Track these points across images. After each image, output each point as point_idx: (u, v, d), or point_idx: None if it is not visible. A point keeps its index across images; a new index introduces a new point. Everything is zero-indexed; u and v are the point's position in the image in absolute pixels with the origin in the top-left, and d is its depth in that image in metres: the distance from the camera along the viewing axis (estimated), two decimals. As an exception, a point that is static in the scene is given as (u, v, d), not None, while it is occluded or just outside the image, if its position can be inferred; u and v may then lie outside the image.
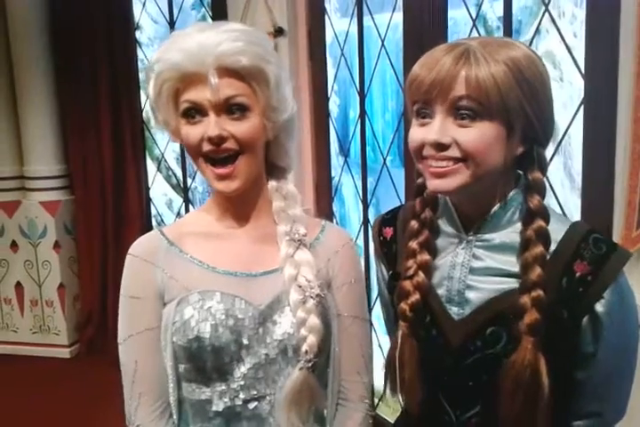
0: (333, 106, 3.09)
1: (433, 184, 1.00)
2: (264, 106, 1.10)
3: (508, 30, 2.05)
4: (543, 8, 1.96)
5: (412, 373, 1.08)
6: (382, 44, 2.67)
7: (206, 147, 1.08)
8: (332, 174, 3.12)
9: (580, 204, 1.88)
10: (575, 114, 1.86)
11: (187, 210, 3.92)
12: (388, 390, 1.12)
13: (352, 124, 2.97)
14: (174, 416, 1.16)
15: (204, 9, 3.66)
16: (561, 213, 1.95)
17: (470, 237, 1.06)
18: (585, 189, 1.84)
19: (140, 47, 3.86)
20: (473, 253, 1.05)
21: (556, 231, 1.01)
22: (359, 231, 2.95)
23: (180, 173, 3.94)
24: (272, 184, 1.19)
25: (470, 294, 1.05)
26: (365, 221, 2.90)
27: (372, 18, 2.71)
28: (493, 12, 2.21)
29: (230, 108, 1.08)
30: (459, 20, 2.33)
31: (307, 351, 1.09)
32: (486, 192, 1.03)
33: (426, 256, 1.07)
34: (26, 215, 3.93)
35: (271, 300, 1.13)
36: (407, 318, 1.08)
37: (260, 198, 1.19)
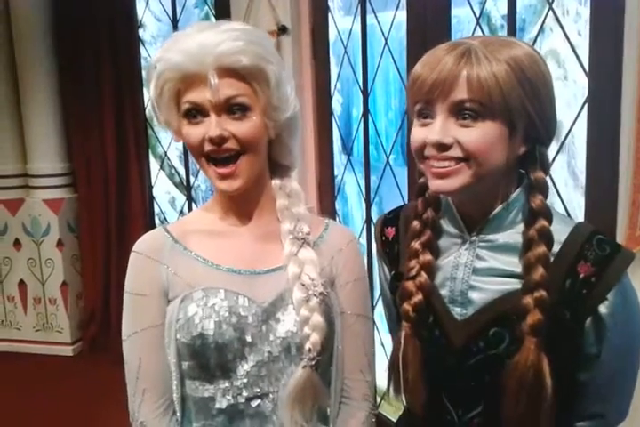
0: (336, 104, 3.09)
1: (435, 185, 0.99)
2: (265, 105, 1.10)
3: (512, 29, 2.04)
4: (547, 6, 1.95)
5: (415, 373, 1.08)
6: (385, 43, 2.67)
7: (208, 147, 1.09)
8: (335, 173, 3.11)
9: (583, 203, 1.87)
10: (579, 113, 1.85)
11: (190, 208, 3.93)
12: (391, 391, 1.12)
13: (355, 123, 2.97)
14: (177, 413, 1.16)
15: (207, 7, 3.66)
16: (564, 211, 1.95)
17: (473, 238, 1.06)
18: (589, 188, 1.84)
19: (144, 45, 3.86)
20: (476, 253, 1.05)
21: (560, 232, 1.01)
22: (362, 230, 2.95)
23: (182, 172, 3.94)
24: (276, 182, 1.20)
25: (473, 295, 1.05)
26: (368, 220, 2.89)
27: (376, 16, 2.70)
28: (497, 10, 2.20)
29: (231, 108, 1.08)
30: (462, 19, 2.32)
31: (310, 349, 1.10)
32: (488, 192, 1.03)
33: (428, 256, 1.07)
34: (29, 213, 3.94)
35: (274, 298, 1.13)
36: (410, 319, 1.08)
37: (262, 196, 1.19)
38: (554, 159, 1.96)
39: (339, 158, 3.13)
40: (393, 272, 1.18)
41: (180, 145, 3.84)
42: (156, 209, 4.09)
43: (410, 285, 1.08)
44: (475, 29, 2.22)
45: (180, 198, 4.07)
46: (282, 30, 2.97)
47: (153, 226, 3.95)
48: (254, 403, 1.13)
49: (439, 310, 1.08)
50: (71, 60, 3.81)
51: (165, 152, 4.01)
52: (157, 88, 1.10)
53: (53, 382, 3.58)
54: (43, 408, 3.25)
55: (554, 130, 1.03)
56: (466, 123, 0.95)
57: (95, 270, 4.00)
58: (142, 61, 3.84)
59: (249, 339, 1.11)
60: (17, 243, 4.00)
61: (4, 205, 3.97)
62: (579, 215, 1.92)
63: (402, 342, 1.09)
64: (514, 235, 1.03)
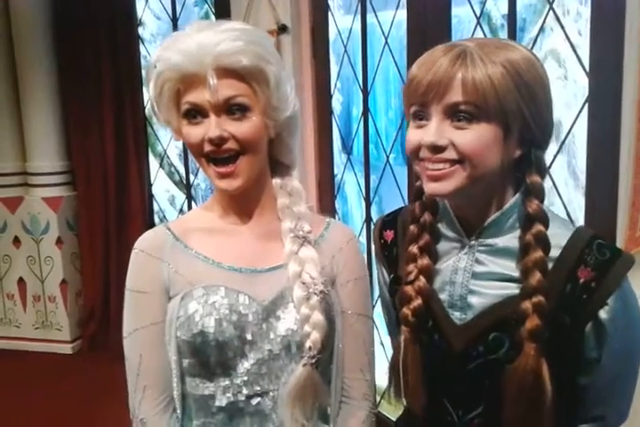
0: (336, 103, 3.09)
1: (430, 188, 0.99)
2: (264, 105, 1.10)
3: (513, 28, 2.04)
4: (548, 6, 1.95)
5: (415, 377, 1.08)
6: (386, 42, 2.67)
7: (207, 147, 1.09)
8: (335, 172, 3.11)
9: (583, 203, 1.87)
10: (579, 112, 1.86)
11: (189, 206, 3.93)
12: (391, 394, 1.12)
13: (355, 122, 2.97)
14: (178, 411, 1.16)
15: (206, 5, 3.65)
16: (565, 212, 1.95)
17: (473, 242, 1.05)
18: (589, 189, 1.84)
19: (143, 44, 3.86)
20: (476, 257, 1.05)
21: (560, 237, 1.01)
22: (361, 229, 2.95)
23: (182, 170, 3.94)
24: (277, 181, 1.20)
25: (472, 299, 1.05)
26: (368, 219, 2.90)
27: (376, 15, 2.70)
28: (497, 9, 2.20)
29: (230, 109, 1.08)
30: (462, 18, 2.32)
31: (310, 348, 1.10)
32: (484, 196, 1.02)
33: (426, 261, 1.07)
34: (28, 211, 3.94)
35: (275, 296, 1.13)
36: (409, 324, 1.08)
37: (263, 195, 1.19)
38: (554, 159, 1.96)
39: (338, 157, 3.13)
40: (392, 276, 1.18)
41: (179, 143, 3.84)
42: (156, 207, 4.09)
43: (409, 289, 1.08)
44: (475, 29, 2.22)
45: (180, 197, 4.07)
46: (282, 29, 2.97)
47: (152, 224, 3.95)
48: (254, 401, 1.13)
49: (438, 315, 1.07)
50: (71, 58, 3.81)
51: (165, 150, 4.01)
52: (157, 88, 1.10)
53: (53, 380, 3.58)
54: (42, 406, 3.25)
55: (550, 133, 1.02)
56: (461, 125, 0.94)
57: (94, 268, 4.00)
58: (142, 60, 3.84)
59: (249, 337, 1.11)
60: (16, 241, 4.00)
61: (3, 202, 3.97)
62: (579, 216, 1.92)
63: (401, 346, 1.09)
64: (513, 239, 1.02)
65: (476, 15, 2.22)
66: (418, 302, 1.06)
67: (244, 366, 1.12)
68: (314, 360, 1.10)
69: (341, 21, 2.95)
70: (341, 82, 3.05)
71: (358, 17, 2.77)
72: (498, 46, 0.96)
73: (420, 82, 0.95)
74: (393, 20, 2.62)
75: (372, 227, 1.29)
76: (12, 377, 3.58)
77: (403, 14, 2.49)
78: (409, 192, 2.52)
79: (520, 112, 0.95)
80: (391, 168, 2.75)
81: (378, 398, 1.25)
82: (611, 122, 1.72)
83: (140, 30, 3.86)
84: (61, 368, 3.77)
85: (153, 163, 4.05)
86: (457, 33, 2.30)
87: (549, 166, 1.96)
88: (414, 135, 0.99)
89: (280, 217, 1.18)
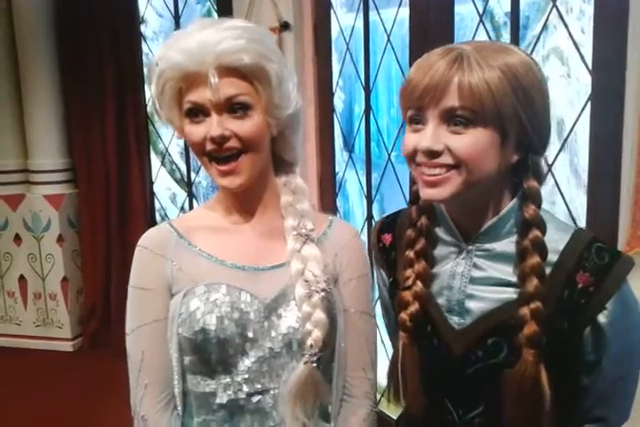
0: (338, 101, 3.09)
1: (426, 193, 0.99)
2: (266, 104, 1.10)
3: (515, 26, 2.03)
4: (551, 4, 1.95)
5: (414, 382, 1.08)
6: (388, 40, 2.66)
7: (209, 146, 1.09)
8: (337, 170, 3.11)
9: (585, 201, 1.87)
10: (582, 110, 1.85)
11: (190, 204, 3.93)
12: (391, 398, 1.12)
13: (357, 120, 2.96)
14: (179, 408, 1.16)
15: (208, 3, 3.65)
16: (567, 210, 1.95)
17: (470, 247, 1.05)
18: (591, 187, 1.83)
19: (145, 41, 3.86)
20: (473, 262, 1.04)
21: (558, 241, 1.00)
22: (363, 227, 2.94)
23: (184, 168, 3.94)
24: (280, 179, 1.20)
25: (470, 304, 1.04)
26: (369, 217, 2.89)
27: (378, 13, 2.70)
28: (500, 7, 2.20)
29: (232, 107, 1.08)
30: (465, 16, 2.32)
31: (311, 346, 1.10)
32: (481, 201, 1.02)
33: (423, 265, 1.07)
34: (30, 209, 3.94)
35: (277, 294, 1.13)
36: (407, 329, 1.07)
37: (266, 193, 1.19)
38: (556, 157, 1.96)
39: (340, 155, 3.13)
40: (391, 279, 1.17)
41: (180, 141, 3.83)
42: (157, 205, 4.09)
43: (406, 294, 1.07)
44: (478, 27, 2.22)
45: (181, 195, 4.07)
46: (284, 26, 2.96)
47: (153, 222, 3.95)
48: (255, 399, 1.13)
49: (437, 320, 1.07)
50: (73, 56, 3.81)
51: (166, 148, 4.01)
52: (159, 87, 1.10)
53: (53, 377, 3.58)
54: (43, 404, 3.25)
55: (547, 139, 1.01)
56: (457, 129, 0.94)
57: (95, 266, 4.00)
58: (144, 57, 3.84)
59: (250, 335, 1.11)
60: (17, 238, 4.00)
61: (4, 200, 3.97)
62: (581, 214, 1.92)
63: (400, 350, 1.08)
64: (510, 244, 1.02)
65: (478, 13, 2.21)
66: (415, 307, 1.06)
67: (245, 363, 1.12)
68: (315, 358, 1.10)
69: (344, 19, 2.95)
70: (343, 80, 3.04)
71: (361, 14, 2.77)
72: (496, 50, 0.95)
73: (417, 86, 0.94)
74: (395, 18, 2.61)
75: (374, 223, 1.28)
76: (13, 375, 3.59)
77: (405, 12, 2.48)
78: (410, 190, 2.51)
79: (517, 117, 0.94)
80: (393, 166, 2.74)
81: (378, 396, 1.25)
82: (613, 120, 1.71)
83: (143, 28, 3.86)
84: (62, 366, 3.77)
85: (154, 161, 4.05)
86: (459, 31, 2.30)
87: (551, 164, 1.96)
88: (410, 140, 0.98)
89: (283, 215, 1.18)
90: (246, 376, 1.12)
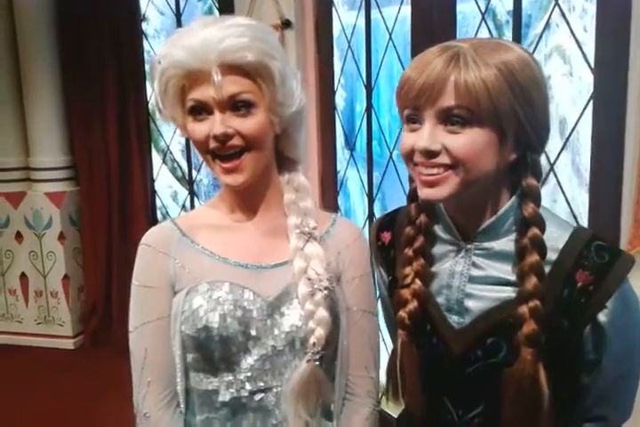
0: (340, 99, 3.08)
1: (424, 193, 0.98)
2: (270, 101, 1.10)
3: (518, 24, 2.03)
4: (553, 2, 1.95)
5: (412, 380, 1.08)
6: (390, 38, 2.66)
7: (212, 144, 1.09)
8: (338, 168, 3.11)
9: (587, 200, 1.87)
10: (584, 109, 1.85)
11: (192, 202, 3.93)
12: (390, 396, 1.12)
13: (358, 118, 2.96)
14: (181, 406, 1.16)
15: (210, 0, 3.64)
16: (569, 209, 1.95)
17: (469, 246, 1.04)
18: (593, 186, 1.83)
19: (147, 39, 3.85)
20: (472, 261, 1.04)
21: (558, 239, 1.00)
22: (364, 225, 2.94)
23: (185, 166, 3.94)
24: (283, 176, 1.20)
25: (470, 303, 1.04)
26: (371, 216, 2.89)
27: (380, 11, 2.69)
28: (503, 5, 2.19)
29: (235, 105, 1.08)
30: (467, 14, 2.31)
31: (314, 344, 1.10)
32: (479, 199, 1.01)
33: (421, 263, 1.06)
34: (31, 206, 3.94)
35: (280, 292, 1.13)
36: (406, 327, 1.07)
37: (269, 191, 1.19)
38: (558, 156, 1.95)
39: (341, 154, 3.13)
40: (390, 277, 1.17)
41: (182, 139, 3.84)
42: (158, 203, 4.08)
43: (405, 292, 1.07)
44: (480, 25, 2.21)
45: (182, 192, 4.07)
46: (285, 24, 2.96)
47: (155, 220, 3.95)
48: (257, 397, 1.13)
49: (436, 319, 1.07)
50: (74, 54, 3.80)
51: (168, 146, 4.01)
52: (162, 85, 1.10)
53: (54, 375, 3.58)
54: (44, 402, 3.26)
55: (546, 136, 1.01)
56: (454, 129, 0.93)
57: (97, 264, 4.00)
58: (145, 55, 3.83)
59: (253, 333, 1.11)
60: (19, 236, 4.00)
61: (5, 197, 3.97)
62: (583, 213, 1.92)
63: (398, 349, 1.08)
64: (509, 242, 1.01)
65: (481, 11, 2.21)
66: (414, 304, 1.06)
67: (248, 361, 1.12)
68: (318, 357, 1.10)
69: (345, 17, 2.94)
70: (345, 78, 3.04)
71: (362, 12, 2.76)
72: (493, 48, 0.94)
73: (413, 85, 0.94)
74: (397, 16, 2.61)
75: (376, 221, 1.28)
76: (14, 372, 3.59)
77: (407, 10, 2.48)
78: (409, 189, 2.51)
79: (514, 114, 0.93)
80: (394, 164, 2.74)
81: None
82: (615, 119, 1.71)
83: (144, 25, 3.85)
84: (63, 364, 3.77)
85: (156, 158, 4.05)
86: (462, 29, 2.29)
87: (553, 163, 1.96)
88: (408, 139, 0.98)
89: (286, 213, 1.18)
90: (249, 374, 1.12)
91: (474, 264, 1.04)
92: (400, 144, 1.00)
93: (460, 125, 0.93)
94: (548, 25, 1.99)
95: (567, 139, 1.95)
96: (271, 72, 1.08)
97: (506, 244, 1.01)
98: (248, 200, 1.18)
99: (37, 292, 4.04)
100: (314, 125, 3.04)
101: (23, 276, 4.05)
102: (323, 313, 1.10)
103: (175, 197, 4.16)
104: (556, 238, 0.99)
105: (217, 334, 1.09)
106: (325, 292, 1.11)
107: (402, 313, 1.07)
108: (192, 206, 3.90)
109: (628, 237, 1.64)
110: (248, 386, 1.12)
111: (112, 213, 3.94)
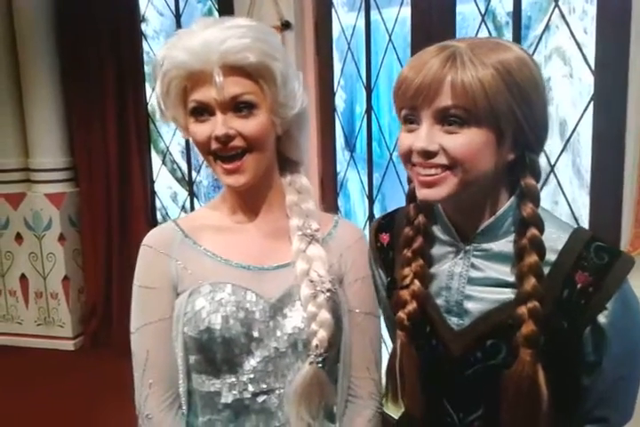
0: (339, 101, 3.09)
1: (422, 194, 0.98)
2: (271, 102, 1.10)
3: (518, 26, 2.03)
4: (553, 4, 1.95)
5: (412, 382, 1.07)
6: (390, 39, 2.66)
7: (214, 145, 1.09)
8: (338, 169, 3.11)
9: (588, 201, 1.87)
10: (584, 111, 1.85)
11: (191, 203, 3.93)
12: (389, 398, 1.11)
13: (358, 119, 2.96)
14: (184, 407, 1.16)
15: (209, 1, 3.64)
16: (569, 210, 1.95)
17: (468, 247, 1.04)
18: (593, 187, 1.83)
19: (146, 40, 3.85)
20: (471, 262, 1.03)
21: (557, 240, 0.99)
22: (364, 227, 2.94)
23: (184, 167, 3.94)
24: (285, 178, 1.20)
25: (469, 305, 1.04)
26: (371, 217, 2.89)
27: (380, 12, 2.70)
28: (502, 7, 2.20)
29: (237, 106, 1.08)
30: (467, 15, 2.31)
31: (317, 346, 1.10)
32: (478, 200, 1.01)
33: (420, 264, 1.06)
34: (31, 207, 3.93)
35: (282, 294, 1.13)
36: (405, 328, 1.07)
37: (270, 192, 1.19)
38: (558, 157, 1.96)
39: (341, 155, 3.13)
40: (389, 278, 1.17)
41: (182, 140, 3.84)
42: (158, 204, 4.08)
43: (404, 294, 1.07)
44: (480, 26, 2.22)
45: (182, 194, 4.07)
46: (285, 26, 2.96)
47: (154, 221, 3.95)
48: (260, 399, 1.13)
49: (435, 320, 1.07)
50: (73, 55, 3.80)
51: (167, 147, 4.01)
52: (163, 86, 1.10)
53: (54, 376, 3.58)
54: (44, 403, 3.25)
55: (544, 136, 1.00)
56: (451, 129, 0.93)
57: (97, 265, 4.00)
58: (145, 56, 3.83)
59: (256, 334, 1.11)
60: (18, 237, 4.00)
61: (5, 199, 3.97)
62: (583, 214, 1.92)
63: (398, 350, 1.08)
64: (508, 244, 1.01)
65: (480, 13, 2.21)
66: (413, 306, 1.06)
67: (251, 363, 1.12)
68: (320, 359, 1.10)
69: (345, 18, 2.94)
70: (345, 79, 3.04)
71: (362, 14, 2.77)
72: (491, 48, 0.93)
73: (410, 85, 0.93)
74: (397, 18, 2.61)
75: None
76: (14, 374, 3.58)
77: (407, 11, 2.48)
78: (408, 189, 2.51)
79: (512, 114, 0.93)
80: (394, 166, 2.74)
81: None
82: (616, 120, 1.72)
83: (143, 26, 3.85)
84: (63, 365, 3.77)
85: (155, 160, 4.04)
86: (461, 30, 2.29)
87: (554, 165, 1.96)
88: (405, 140, 0.98)
89: (288, 214, 1.18)
90: (252, 376, 1.12)
91: (473, 266, 1.03)
92: (398, 145, 1.00)
93: (457, 125, 0.92)
94: (547, 26, 1.99)
95: (568, 140, 1.95)
96: (273, 73, 1.08)
97: (505, 245, 1.01)
98: (249, 201, 1.18)
99: (37, 293, 4.04)
100: (314, 127, 3.04)
101: (23, 277, 4.04)
102: (325, 315, 1.10)
103: (175, 198, 4.16)
104: (555, 239, 0.99)
105: (219, 335, 1.09)
106: (328, 294, 1.11)
107: (401, 314, 1.07)
108: (192, 207, 3.90)
109: (629, 239, 1.64)
110: (251, 388, 1.12)
111: (112, 215, 3.93)
